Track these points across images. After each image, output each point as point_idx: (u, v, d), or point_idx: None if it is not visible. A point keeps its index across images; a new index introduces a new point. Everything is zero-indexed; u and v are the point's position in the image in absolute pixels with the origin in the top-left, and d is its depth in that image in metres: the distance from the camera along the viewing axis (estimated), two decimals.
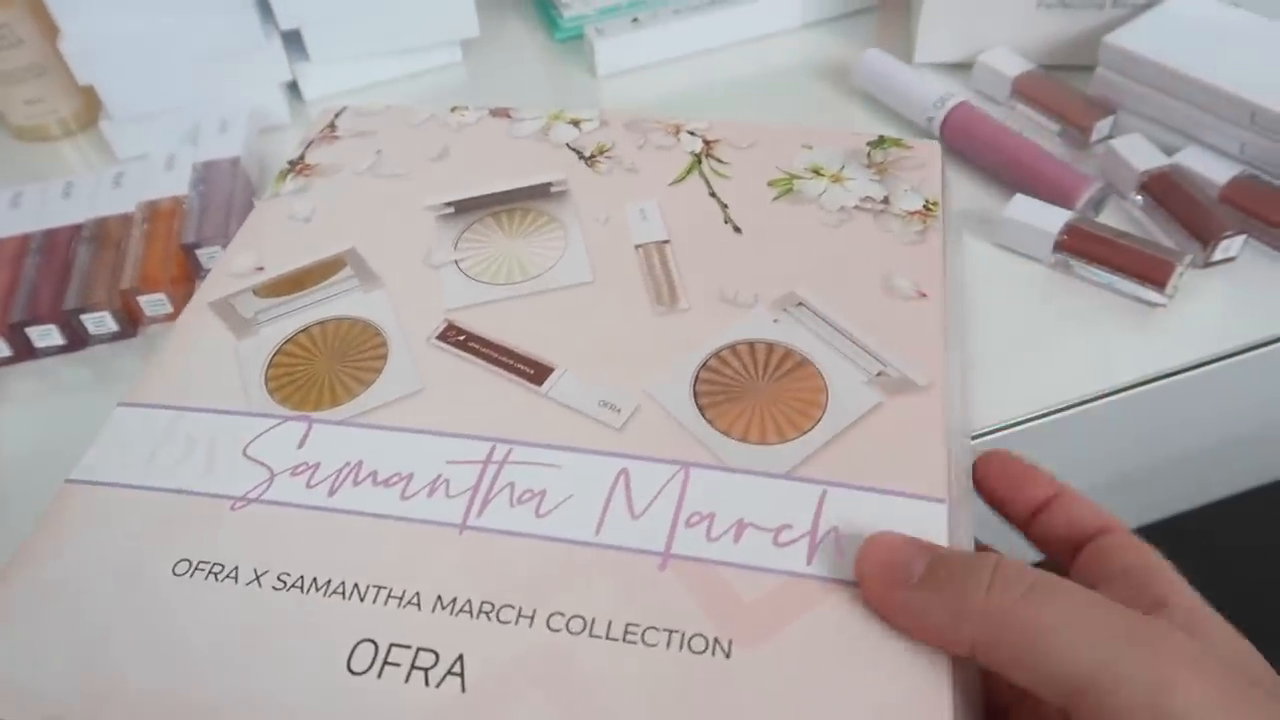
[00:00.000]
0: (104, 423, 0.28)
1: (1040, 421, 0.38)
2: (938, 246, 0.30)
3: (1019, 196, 0.40)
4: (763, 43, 0.57)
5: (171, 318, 0.37)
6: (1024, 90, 0.47)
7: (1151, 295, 0.41)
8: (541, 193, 0.33)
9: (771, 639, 0.22)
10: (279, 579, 0.24)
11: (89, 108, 0.50)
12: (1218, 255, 0.42)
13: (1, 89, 0.48)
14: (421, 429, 0.26)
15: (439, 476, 0.25)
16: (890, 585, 0.22)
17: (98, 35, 0.42)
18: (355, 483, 0.26)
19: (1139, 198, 0.44)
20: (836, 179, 0.33)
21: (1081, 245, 0.40)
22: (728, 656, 0.22)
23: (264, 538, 0.25)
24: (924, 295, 0.29)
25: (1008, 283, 0.42)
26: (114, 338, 0.37)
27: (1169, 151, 0.45)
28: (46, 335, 0.36)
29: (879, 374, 0.27)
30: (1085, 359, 0.40)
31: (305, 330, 0.30)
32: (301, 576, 0.24)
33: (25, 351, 0.37)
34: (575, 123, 0.36)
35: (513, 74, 0.55)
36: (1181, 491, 0.48)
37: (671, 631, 0.22)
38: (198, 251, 0.37)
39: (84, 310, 0.36)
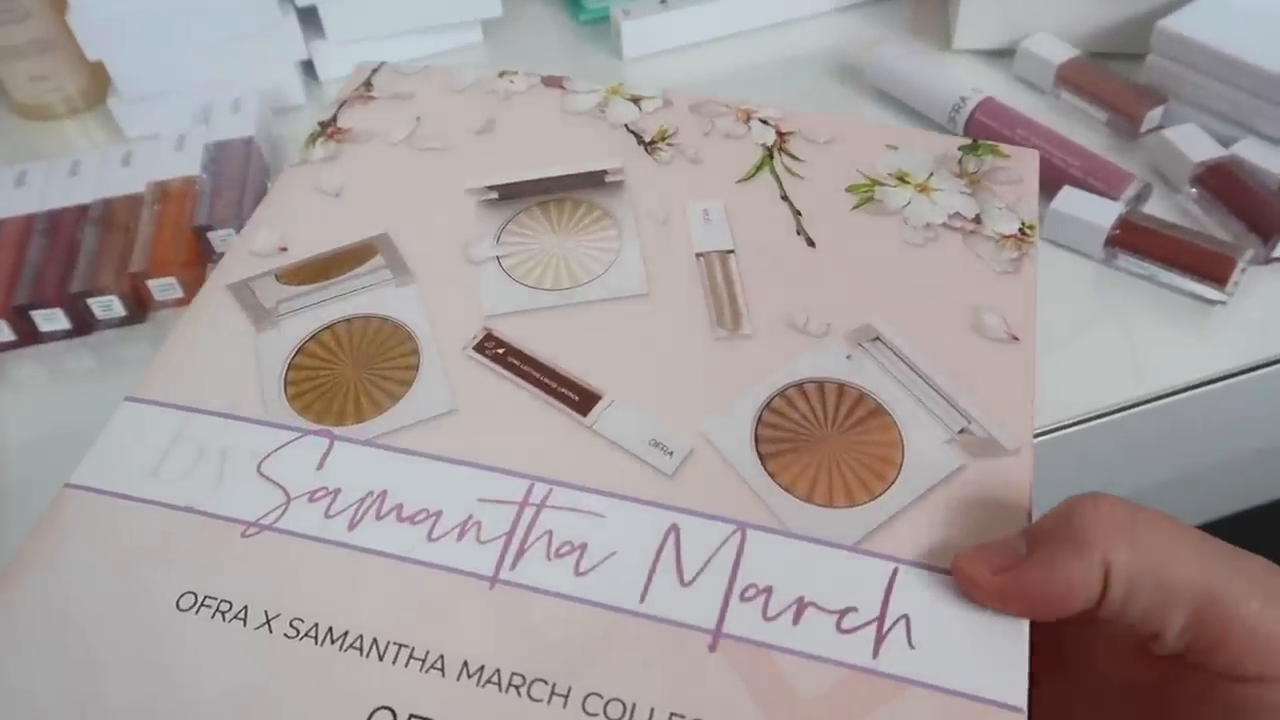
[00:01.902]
0: (109, 418, 0.26)
1: (1095, 423, 0.36)
2: (1031, 280, 0.27)
3: (1068, 189, 0.38)
4: (795, 26, 0.54)
5: (182, 303, 0.34)
6: (1069, 78, 0.45)
7: (1210, 292, 0.38)
8: (595, 181, 0.30)
9: None
10: (292, 625, 0.22)
11: (97, 85, 0.47)
12: (1279, 251, 0.39)
13: (6, 64, 0.45)
14: (453, 458, 0.24)
15: (470, 517, 0.23)
16: (1005, 568, 0.21)
17: (108, 10, 0.39)
18: (378, 516, 0.23)
19: (1193, 190, 0.42)
20: (924, 189, 0.29)
21: (1135, 239, 0.38)
22: None
23: (277, 573, 0.22)
24: (1015, 339, 0.26)
25: (1054, 279, 0.39)
26: (122, 323, 0.34)
27: (1225, 143, 0.42)
28: (52, 319, 0.34)
29: (961, 431, 0.24)
30: (1139, 357, 0.38)
31: (330, 328, 0.27)
32: (316, 625, 0.22)
33: (29, 336, 0.35)
34: (635, 100, 0.32)
35: (535, 56, 0.52)
36: (1239, 491, 0.47)
37: None
38: (210, 234, 0.34)
39: (91, 294, 0.33)
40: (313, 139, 0.32)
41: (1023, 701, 0.20)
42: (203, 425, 0.25)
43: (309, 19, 0.41)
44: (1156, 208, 0.41)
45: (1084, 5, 0.46)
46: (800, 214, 0.29)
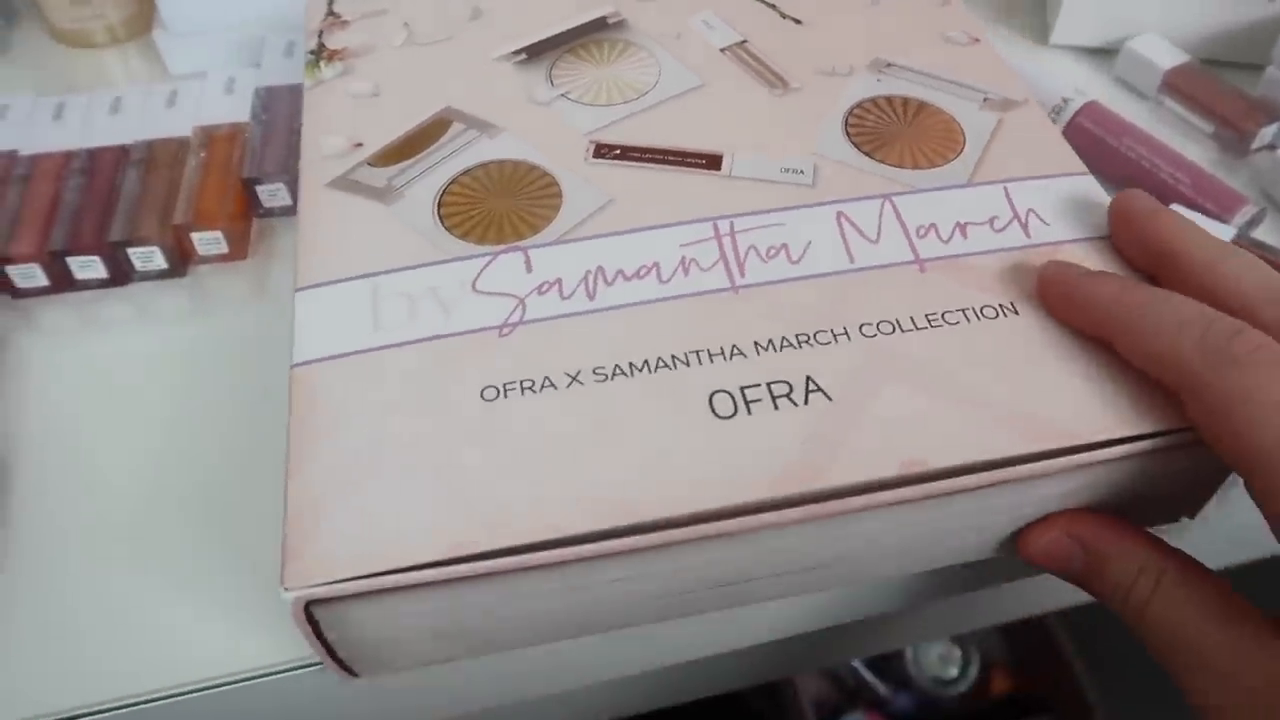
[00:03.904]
0: (293, 309, 0.26)
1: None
2: (959, 4, 0.35)
3: (1177, 208, 0.34)
4: None
5: (226, 258, 0.33)
6: (1176, 84, 0.40)
7: None
8: (601, 26, 0.34)
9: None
10: (595, 373, 0.24)
11: (141, 15, 0.43)
12: None
13: None
14: (636, 229, 0.27)
15: (684, 258, 0.27)
16: (1121, 286, 0.24)
17: None
18: (608, 283, 0.26)
19: None
20: None
21: None
22: (1017, 314, 0.25)
23: (553, 347, 0.25)
24: (976, 40, 0.33)
25: None
26: (160, 275, 0.33)
27: None
28: (88, 267, 0.31)
29: (985, 100, 0.31)
30: None
31: (456, 180, 0.29)
32: (616, 365, 0.24)
33: (64, 282, 0.32)
34: None
35: None
36: None
37: (963, 310, 0.25)
38: (258, 188, 0.33)
39: (131, 244, 0.31)
40: (313, 66, 0.33)
41: None
42: (394, 281, 0.26)
43: None
44: (1267, 234, 0.37)
45: (1198, 7, 0.41)
46: (774, 5, 0.35)
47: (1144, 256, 0.26)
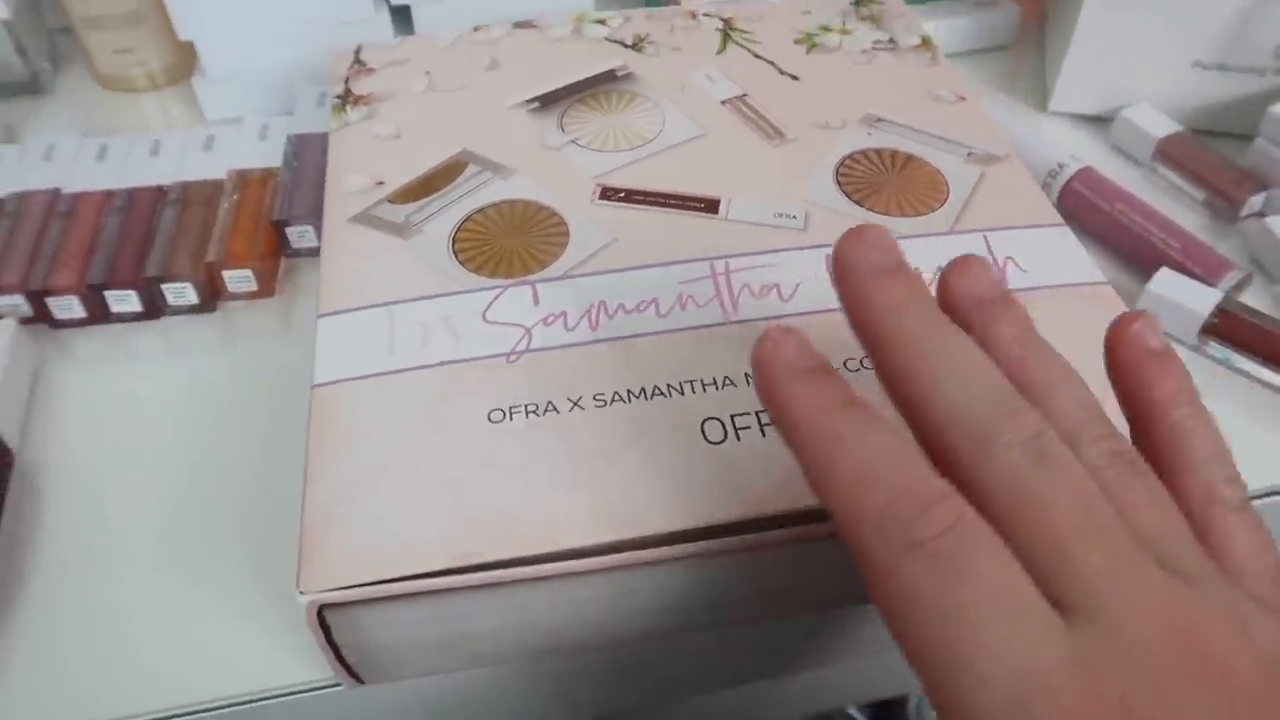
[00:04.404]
0: (315, 333, 0.28)
1: None
2: (948, 65, 0.37)
3: (1166, 271, 0.36)
4: None
5: (255, 296, 0.35)
6: (1169, 153, 0.42)
7: None
8: (609, 78, 0.36)
9: None
10: (595, 399, 0.26)
11: (181, 63, 0.46)
12: None
13: (94, 34, 0.43)
14: (638, 266, 0.29)
15: (681, 295, 0.28)
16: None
17: None
18: (609, 315, 0.28)
19: None
20: (844, 31, 0.39)
21: (1233, 330, 0.35)
22: None
23: (556, 375, 0.26)
24: (963, 98, 0.36)
25: None
26: (191, 310, 0.35)
27: None
28: (124, 300, 0.33)
29: (969, 155, 0.33)
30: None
31: (469, 219, 0.31)
32: (615, 392, 0.26)
33: (100, 314, 0.34)
34: (600, 21, 0.39)
35: None
36: None
37: None
38: (288, 229, 0.35)
39: (165, 279, 0.33)
40: (339, 109, 0.35)
41: (1102, 278, 0.29)
42: (409, 310, 0.28)
43: (401, 17, 0.43)
44: (1254, 298, 0.38)
45: (1191, 80, 0.43)
46: (774, 62, 0.37)
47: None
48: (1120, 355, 0.22)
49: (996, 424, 0.19)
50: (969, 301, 0.22)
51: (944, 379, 0.19)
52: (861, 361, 0.26)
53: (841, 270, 0.22)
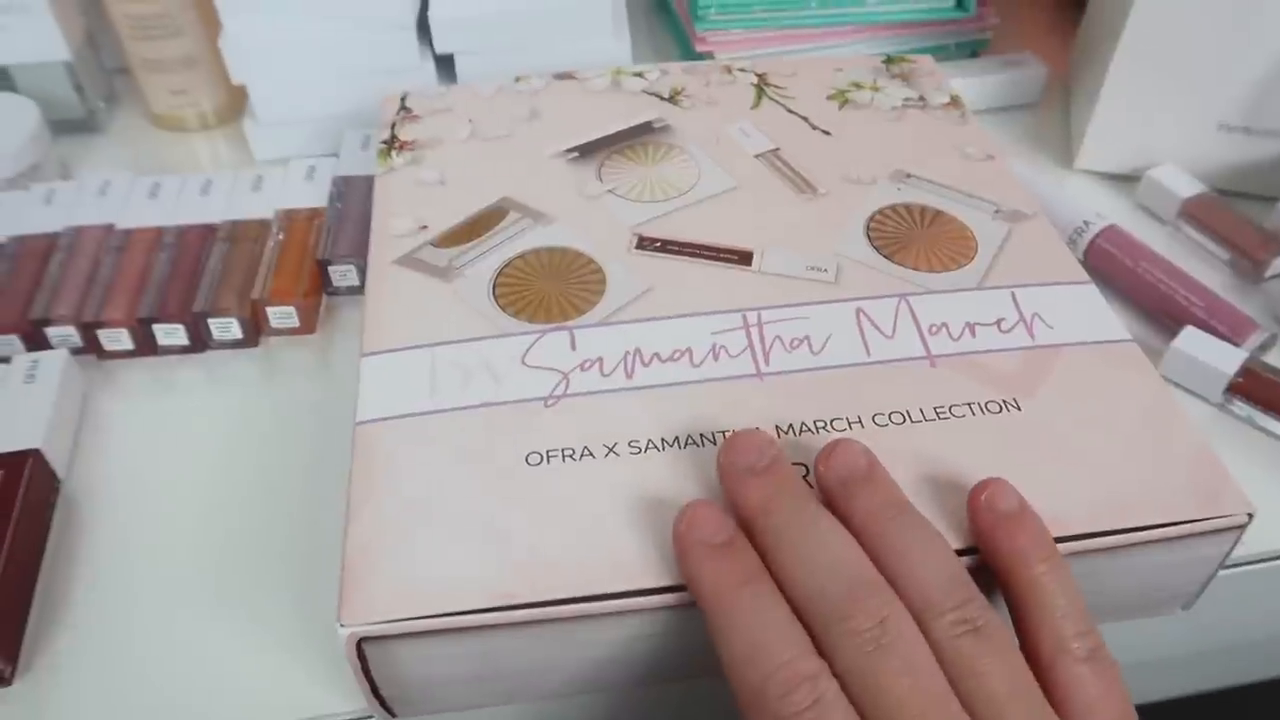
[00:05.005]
0: (359, 372, 0.29)
1: None
2: (976, 124, 0.38)
3: (1191, 329, 0.37)
4: None
5: (295, 332, 0.36)
6: (1194, 213, 0.43)
7: None
8: (647, 130, 0.37)
9: (1041, 389, 0.28)
10: (630, 446, 0.26)
11: (231, 105, 0.48)
12: None
13: (151, 76, 0.46)
14: (672, 315, 0.30)
15: (714, 345, 0.29)
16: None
17: (259, 36, 0.41)
18: (644, 363, 0.29)
19: None
20: (875, 89, 0.40)
21: (1257, 389, 0.35)
22: (1020, 410, 0.27)
23: (592, 421, 0.27)
24: (991, 157, 0.36)
25: None
26: (235, 345, 0.36)
27: None
28: (172, 334, 0.34)
29: (996, 212, 0.34)
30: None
31: (510, 264, 0.32)
32: (650, 440, 0.27)
33: (147, 347, 0.35)
34: (638, 74, 0.40)
35: None
36: None
37: (970, 404, 0.27)
38: (331, 268, 0.37)
39: (212, 314, 0.35)
40: (385, 154, 0.37)
41: (1127, 335, 0.30)
42: (450, 352, 0.29)
43: (445, 66, 0.44)
44: (1278, 358, 0.38)
45: (1216, 142, 0.44)
46: (807, 118, 0.38)
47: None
48: (978, 521, 0.24)
49: (842, 610, 0.21)
50: (835, 483, 0.25)
51: (798, 565, 0.23)
52: (873, 418, 0.27)
53: (721, 472, 0.25)
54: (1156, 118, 0.43)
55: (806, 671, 0.21)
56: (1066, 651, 0.22)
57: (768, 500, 0.24)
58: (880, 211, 0.34)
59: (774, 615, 0.22)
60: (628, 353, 0.29)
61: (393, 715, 0.26)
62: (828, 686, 0.21)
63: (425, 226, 0.33)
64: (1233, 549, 0.26)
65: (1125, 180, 0.46)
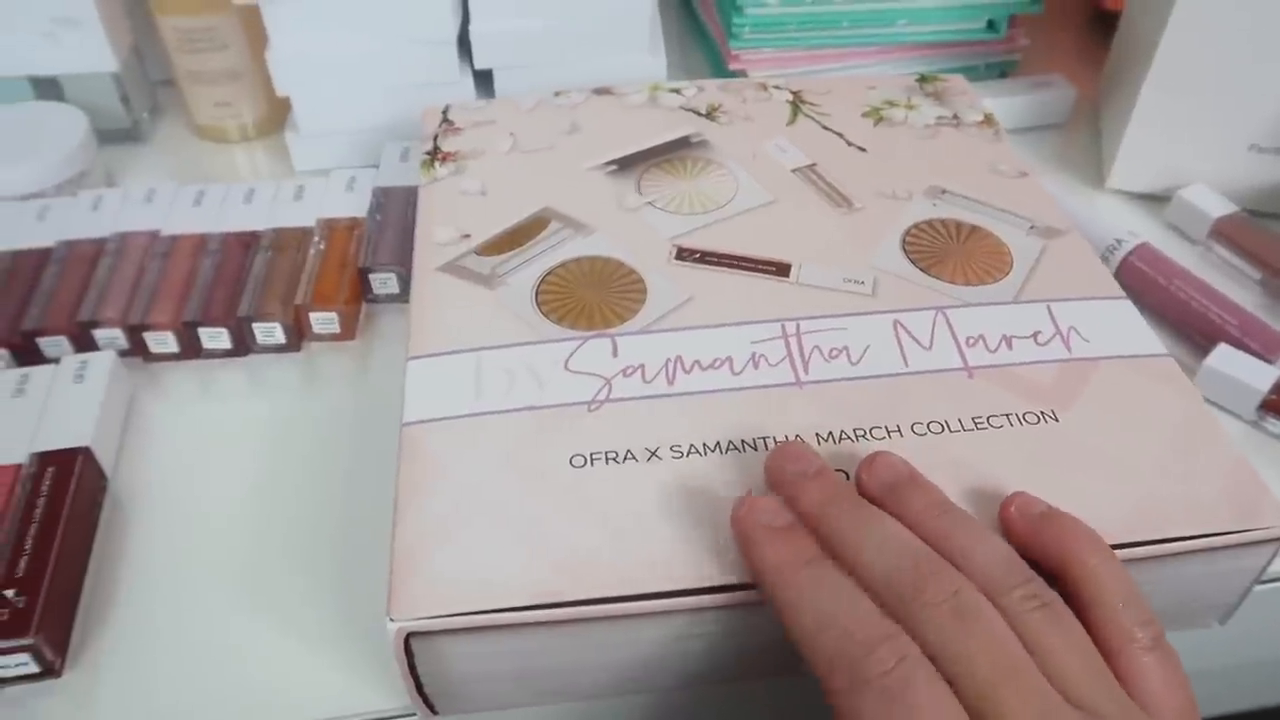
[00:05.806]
0: (405, 374, 0.29)
1: None
2: (1009, 143, 0.39)
3: (1224, 347, 0.37)
4: None
5: (338, 338, 0.37)
6: (1225, 232, 0.43)
7: None
8: (684, 144, 0.38)
9: (1078, 401, 0.28)
10: (672, 450, 0.27)
11: (271, 117, 0.49)
12: None
13: (196, 88, 0.47)
14: (712, 324, 0.30)
15: (754, 354, 0.30)
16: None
17: (304, 51, 0.42)
18: (685, 371, 0.29)
19: None
20: (909, 106, 0.40)
21: None
22: (1057, 421, 0.28)
23: (634, 425, 0.28)
24: (1025, 174, 0.37)
25: None
26: (278, 349, 0.36)
27: None
28: (216, 338, 0.35)
29: (1031, 228, 0.34)
30: None
31: (551, 272, 0.32)
32: (691, 444, 0.27)
33: (191, 350, 0.36)
34: (675, 91, 0.41)
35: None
36: None
37: (1007, 415, 0.28)
38: (371, 275, 0.37)
39: (256, 319, 0.35)
40: (428, 165, 0.37)
41: (1163, 350, 0.30)
42: (495, 356, 0.30)
43: (483, 81, 0.45)
44: None
45: (1247, 162, 0.44)
46: (842, 134, 0.39)
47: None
48: (1016, 528, 0.25)
49: (917, 584, 0.21)
50: (881, 488, 0.25)
51: (865, 550, 0.23)
52: (911, 427, 0.27)
53: (773, 478, 0.26)
54: (1188, 139, 0.44)
55: (887, 630, 0.21)
56: (1133, 640, 0.22)
57: (825, 500, 0.24)
58: (916, 226, 0.34)
59: (843, 587, 0.22)
60: (669, 360, 0.29)
61: (434, 712, 0.27)
62: (910, 647, 0.20)
63: (468, 235, 0.34)
64: (1270, 562, 0.27)
65: (1154, 200, 0.46)
